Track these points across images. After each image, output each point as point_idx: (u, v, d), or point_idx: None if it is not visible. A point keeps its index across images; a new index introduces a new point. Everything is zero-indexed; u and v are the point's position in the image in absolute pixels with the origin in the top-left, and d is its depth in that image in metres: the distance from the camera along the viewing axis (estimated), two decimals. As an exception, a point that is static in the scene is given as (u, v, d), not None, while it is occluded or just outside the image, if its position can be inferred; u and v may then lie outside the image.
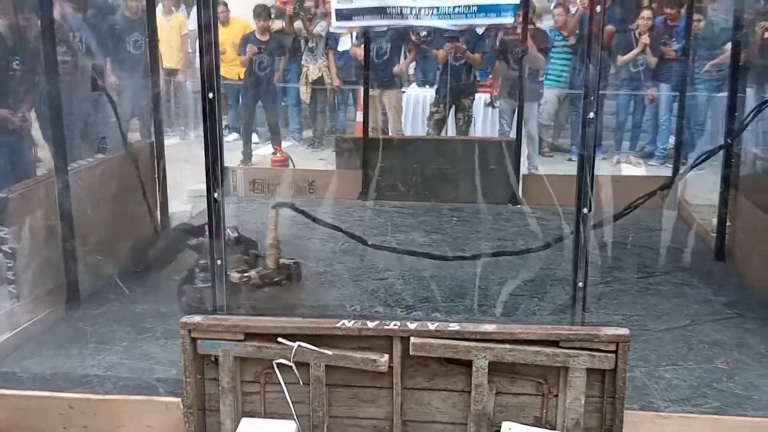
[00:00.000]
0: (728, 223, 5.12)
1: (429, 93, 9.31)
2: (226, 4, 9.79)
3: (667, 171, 6.58)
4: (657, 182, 6.43)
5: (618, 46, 8.87)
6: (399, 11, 4.20)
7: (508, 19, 4.12)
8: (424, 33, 8.25)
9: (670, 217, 6.09)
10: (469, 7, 4.02)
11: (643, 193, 5.78)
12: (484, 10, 4.01)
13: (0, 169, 4.96)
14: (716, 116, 7.58)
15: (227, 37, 9.71)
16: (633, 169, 8.77)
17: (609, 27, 8.46)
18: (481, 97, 8.73)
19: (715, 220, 5.32)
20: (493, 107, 8.69)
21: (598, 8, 2.57)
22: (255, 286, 3.97)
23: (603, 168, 8.62)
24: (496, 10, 3.99)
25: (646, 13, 8.77)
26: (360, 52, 8.21)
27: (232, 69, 9.88)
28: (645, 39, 8.54)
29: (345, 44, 9.58)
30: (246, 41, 9.03)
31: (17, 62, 5.04)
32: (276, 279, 4.05)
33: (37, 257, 4.15)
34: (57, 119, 4.09)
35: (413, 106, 9.46)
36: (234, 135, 10.24)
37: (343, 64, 9.78)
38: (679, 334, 4.03)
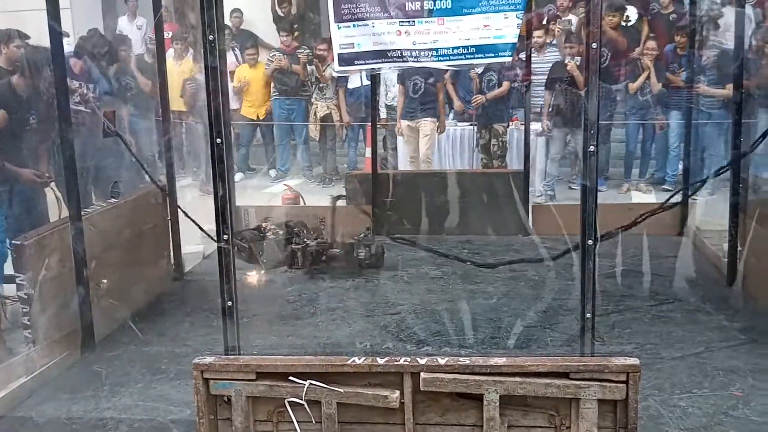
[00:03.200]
0: (740, 248, 5.10)
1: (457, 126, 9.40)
2: (256, 48, 10.07)
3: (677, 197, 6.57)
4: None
5: (627, 75, 8.94)
6: (399, 54, 4.32)
7: (506, 58, 4.21)
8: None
9: (681, 243, 6.09)
10: (468, 48, 4.11)
11: (651, 220, 5.82)
12: (482, 50, 4.11)
13: (15, 217, 5.03)
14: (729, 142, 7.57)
15: (254, 77, 10.00)
16: (643, 196, 8.77)
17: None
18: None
19: (726, 246, 5.30)
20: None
21: (594, 45, 2.62)
22: (312, 253, 5.55)
23: (612, 196, 8.67)
24: (494, 50, 4.09)
25: (650, 44, 8.84)
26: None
27: (251, 109, 10.14)
28: (647, 61, 8.63)
29: (355, 82, 9.71)
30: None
31: (33, 117, 5.17)
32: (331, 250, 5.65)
33: (52, 302, 4.21)
34: (70, 167, 4.17)
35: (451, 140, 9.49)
36: (239, 175, 10.42)
37: (354, 101, 9.90)
38: (693, 361, 4.01)
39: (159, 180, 5.51)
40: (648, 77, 8.71)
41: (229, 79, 9.77)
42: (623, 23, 9.46)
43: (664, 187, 8.96)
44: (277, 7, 10.87)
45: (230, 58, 10.28)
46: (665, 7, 9.45)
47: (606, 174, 9.20)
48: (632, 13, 9.54)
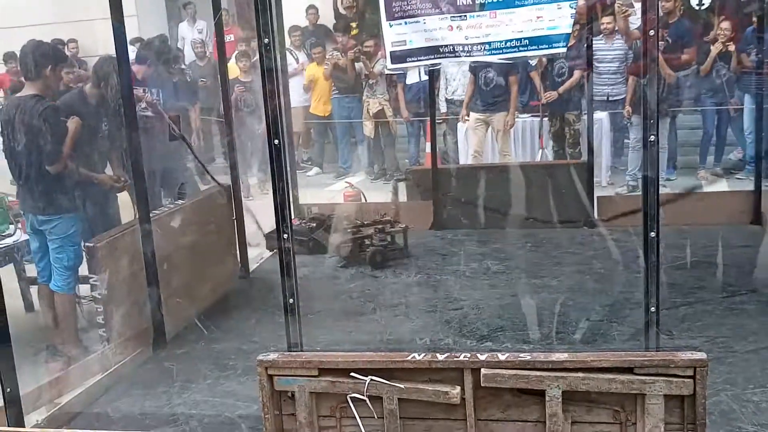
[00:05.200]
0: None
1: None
2: (323, 46, 10.20)
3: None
4: (738, 197, 6.29)
5: (699, 60, 8.68)
6: (452, 49, 4.30)
7: (560, 50, 4.15)
8: None
9: (754, 232, 5.87)
10: (521, 40, 4.06)
11: (723, 208, 5.63)
12: (535, 42, 4.05)
13: (89, 220, 5.23)
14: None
15: (321, 74, 10.16)
16: (716, 183, 8.48)
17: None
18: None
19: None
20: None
21: (652, 32, 2.55)
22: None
23: (684, 184, 8.42)
24: (548, 41, 4.02)
25: (725, 24, 8.53)
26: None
27: (319, 106, 10.28)
28: (719, 42, 8.37)
29: (413, 77, 9.70)
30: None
31: (105, 124, 5.37)
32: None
33: (125, 302, 4.36)
34: (138, 171, 4.31)
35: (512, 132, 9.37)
36: (316, 169, 10.62)
37: (412, 96, 9.89)
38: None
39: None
40: (718, 59, 8.43)
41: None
42: (696, 6, 9.21)
43: (739, 176, 8.64)
44: (340, 5, 10.95)
45: (302, 57, 10.48)
46: (736, -13, 9.13)
47: (674, 162, 8.93)
48: None
